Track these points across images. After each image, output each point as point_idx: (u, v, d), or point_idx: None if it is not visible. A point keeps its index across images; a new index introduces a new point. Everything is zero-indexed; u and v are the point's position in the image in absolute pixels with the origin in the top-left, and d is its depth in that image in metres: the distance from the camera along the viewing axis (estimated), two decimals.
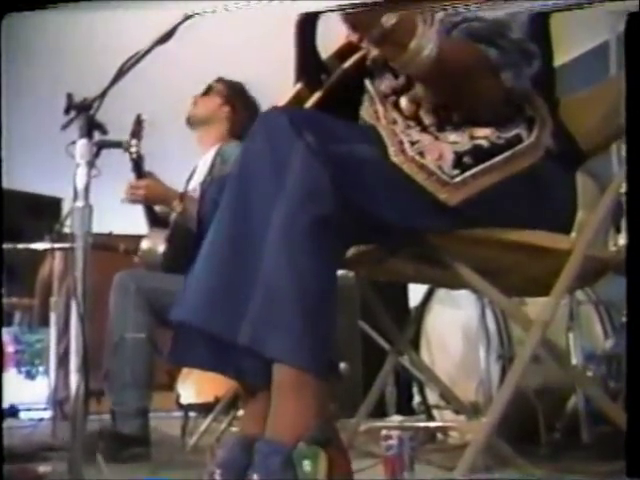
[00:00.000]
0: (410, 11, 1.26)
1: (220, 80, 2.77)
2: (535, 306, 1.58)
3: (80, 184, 1.65)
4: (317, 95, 1.36)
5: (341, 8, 1.18)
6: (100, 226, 1.73)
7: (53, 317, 3.00)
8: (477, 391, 2.37)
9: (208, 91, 2.73)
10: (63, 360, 2.71)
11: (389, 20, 1.15)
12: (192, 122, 2.72)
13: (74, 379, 1.58)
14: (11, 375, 3.83)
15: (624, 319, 2.44)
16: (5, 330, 3.75)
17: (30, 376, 3.97)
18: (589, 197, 1.44)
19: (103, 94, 1.57)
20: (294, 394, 1.02)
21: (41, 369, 3.93)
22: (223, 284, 1.07)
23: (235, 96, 2.73)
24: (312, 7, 1.24)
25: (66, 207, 3.91)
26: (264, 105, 1.62)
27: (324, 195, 1.07)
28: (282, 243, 1.05)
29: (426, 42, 1.16)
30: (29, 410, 3.55)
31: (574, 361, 2.19)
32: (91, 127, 1.60)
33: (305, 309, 1.03)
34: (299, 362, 1.03)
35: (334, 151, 1.11)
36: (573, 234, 1.32)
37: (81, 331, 1.58)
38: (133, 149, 1.88)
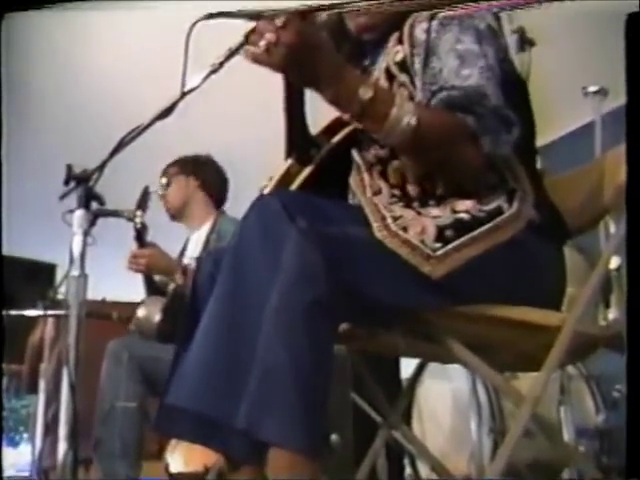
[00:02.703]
0: (385, 87, 1.31)
1: (172, 165, 2.80)
2: (527, 380, 1.58)
3: (76, 253, 1.67)
4: (308, 170, 1.39)
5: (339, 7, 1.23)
6: (93, 292, 1.74)
7: (42, 384, 2.97)
8: (469, 464, 2.35)
9: (168, 181, 2.75)
10: (51, 427, 2.67)
11: (366, 93, 1.18)
12: (173, 215, 2.77)
13: (62, 447, 1.57)
14: None
15: (615, 394, 2.45)
16: None
17: (13, 443, 3.90)
18: (578, 272, 1.47)
19: (102, 166, 1.60)
20: (289, 475, 1.03)
21: (25, 436, 3.86)
22: (219, 367, 1.09)
23: (194, 167, 2.77)
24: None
25: (60, 273, 3.91)
26: (259, 175, 1.65)
27: (317, 277, 1.09)
28: (277, 325, 1.07)
29: (404, 112, 1.19)
30: (10, 479, 3.48)
31: (566, 436, 2.18)
32: (89, 198, 1.63)
33: (301, 392, 1.05)
34: (295, 446, 1.04)
35: (326, 234, 1.13)
36: (563, 310, 1.34)
37: (71, 399, 1.58)
38: (138, 219, 1.91)
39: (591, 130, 2.79)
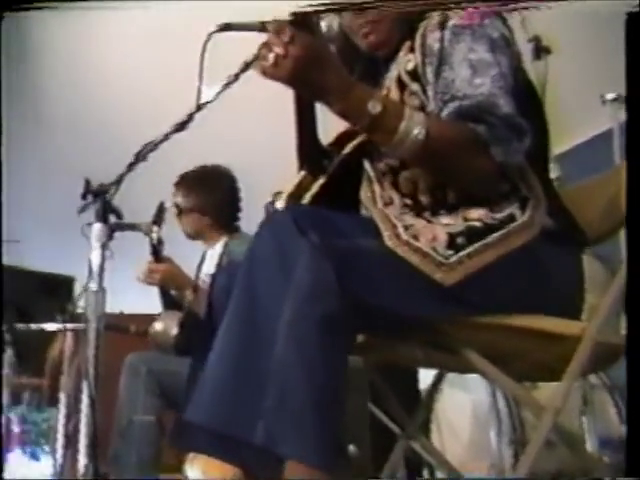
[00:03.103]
0: (394, 100, 1.31)
1: (183, 191, 2.76)
2: (548, 389, 1.56)
3: (94, 266, 1.68)
4: (320, 181, 1.39)
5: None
6: (111, 305, 1.75)
7: (62, 397, 2.99)
8: (488, 475, 2.32)
9: (180, 211, 2.73)
10: (71, 440, 2.68)
11: (375, 107, 1.18)
12: (192, 236, 2.79)
13: (82, 461, 1.57)
14: (16, 456, 3.77)
15: None
16: (13, 410, 3.72)
17: (35, 457, 3.91)
18: (598, 281, 1.45)
19: (119, 180, 1.61)
20: None
21: (46, 449, 3.87)
22: (235, 384, 1.10)
23: (206, 203, 2.74)
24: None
25: (78, 286, 3.93)
26: (272, 187, 1.65)
27: (330, 291, 1.09)
28: (291, 340, 1.07)
29: (414, 124, 1.19)
30: None
31: (589, 446, 2.15)
32: (107, 212, 1.64)
33: (317, 406, 1.05)
34: (312, 460, 1.04)
35: (338, 247, 1.13)
36: (583, 319, 1.33)
37: (91, 412, 1.58)
38: (154, 235, 1.92)
39: (609, 138, 2.77)
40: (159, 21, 3.47)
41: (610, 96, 2.75)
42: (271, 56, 1.14)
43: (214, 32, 1.34)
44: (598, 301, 1.34)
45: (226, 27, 1.37)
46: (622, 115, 2.76)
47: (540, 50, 2.22)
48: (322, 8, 1.30)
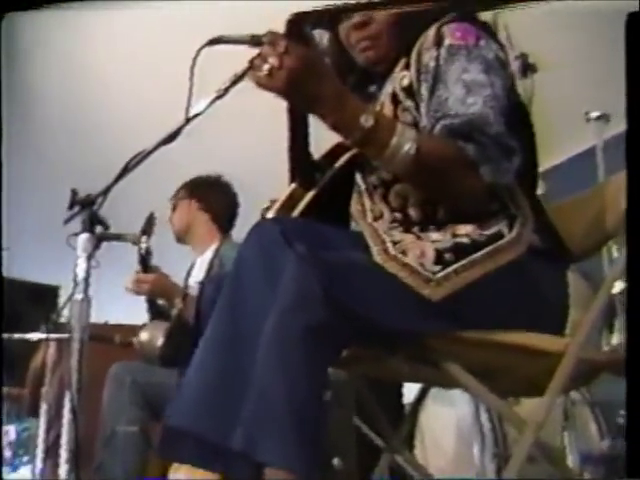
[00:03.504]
0: (386, 115, 1.33)
1: (180, 188, 2.83)
2: (530, 405, 1.58)
3: (80, 276, 1.68)
4: (311, 194, 1.40)
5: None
6: (96, 314, 1.75)
7: (43, 407, 2.96)
8: None
9: (175, 205, 2.79)
10: (52, 451, 2.66)
11: (368, 121, 1.19)
12: (178, 237, 2.80)
13: (64, 471, 1.56)
14: None
15: (620, 420, 2.43)
16: None
17: (13, 467, 3.87)
18: (581, 297, 1.47)
19: (106, 191, 1.61)
20: None
21: (25, 459, 3.83)
22: (217, 389, 1.10)
23: (198, 189, 2.80)
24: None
25: (63, 295, 3.91)
26: (263, 199, 1.66)
27: (315, 303, 1.09)
28: (274, 350, 1.07)
29: (405, 140, 1.20)
30: None
31: (570, 462, 2.16)
32: (93, 222, 1.64)
33: (297, 415, 1.05)
34: (291, 466, 1.04)
35: (325, 260, 1.14)
36: (567, 335, 1.34)
37: (73, 423, 1.57)
38: (143, 245, 1.92)
39: (593, 155, 2.81)
40: (160, 21, 3.45)
41: (594, 114, 2.79)
42: (265, 67, 1.16)
43: (204, 46, 1.35)
44: (581, 317, 1.35)
45: (216, 41, 1.38)
46: (606, 133, 2.80)
47: (527, 68, 2.25)
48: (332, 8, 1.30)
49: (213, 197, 2.80)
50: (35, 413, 3.14)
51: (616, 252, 1.96)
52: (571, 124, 3.07)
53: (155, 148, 1.53)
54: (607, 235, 1.54)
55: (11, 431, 3.74)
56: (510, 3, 1.35)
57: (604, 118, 2.75)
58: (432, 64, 1.31)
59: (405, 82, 1.36)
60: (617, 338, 2.21)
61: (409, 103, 1.34)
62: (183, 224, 2.76)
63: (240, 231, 2.77)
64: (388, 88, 1.40)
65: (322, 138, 1.42)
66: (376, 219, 1.35)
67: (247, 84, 1.38)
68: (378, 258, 1.22)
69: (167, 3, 2.93)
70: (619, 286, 2.10)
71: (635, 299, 1.09)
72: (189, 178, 2.87)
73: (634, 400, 1.04)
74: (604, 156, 2.72)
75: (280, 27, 1.35)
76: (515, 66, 2.19)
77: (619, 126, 3.29)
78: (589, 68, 3.50)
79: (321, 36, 1.40)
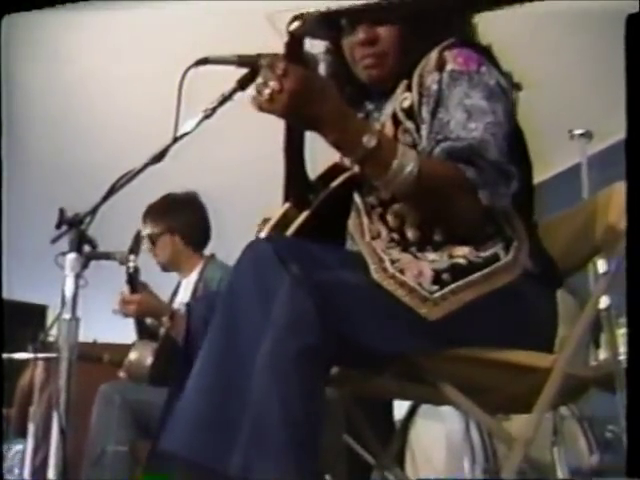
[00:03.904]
0: (388, 136, 1.33)
1: (150, 217, 2.77)
2: (520, 420, 1.58)
3: (68, 295, 1.67)
4: (305, 214, 1.39)
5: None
6: (84, 333, 1.74)
7: (31, 427, 2.94)
8: None
9: (153, 240, 2.74)
10: (39, 472, 2.64)
11: (370, 141, 1.20)
12: (165, 269, 2.79)
13: None
14: None
15: (609, 434, 2.44)
16: None
17: None
18: (568, 313, 1.48)
19: (94, 210, 1.61)
20: None
21: None
22: (211, 414, 1.09)
23: (176, 222, 2.75)
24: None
25: (51, 314, 3.89)
26: (254, 218, 1.66)
27: (309, 324, 1.10)
28: (269, 372, 1.07)
29: (407, 161, 1.21)
30: None
31: (559, 476, 2.17)
32: (81, 242, 1.64)
33: (293, 438, 1.05)
34: None
35: (319, 280, 1.14)
36: (555, 351, 1.35)
37: (61, 443, 1.56)
38: (131, 264, 1.92)
39: (577, 172, 2.83)
40: (161, 20, 3.44)
41: (578, 131, 2.82)
42: (267, 91, 1.16)
43: (191, 66, 1.36)
44: (568, 333, 1.36)
45: (203, 61, 1.39)
46: (590, 150, 2.83)
47: (511, 86, 2.26)
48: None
49: (190, 225, 2.75)
50: (22, 434, 3.11)
51: (601, 268, 1.98)
52: (555, 142, 3.10)
53: (143, 168, 1.53)
54: (593, 251, 1.55)
55: None
56: (512, 2, 1.36)
57: (587, 135, 2.78)
58: (434, 87, 1.32)
59: (406, 104, 1.37)
60: (604, 353, 2.22)
61: (409, 125, 1.35)
62: (167, 258, 2.76)
63: (228, 250, 2.77)
64: (389, 109, 1.41)
65: (318, 158, 1.43)
66: (374, 238, 1.36)
67: (236, 103, 1.39)
68: (376, 276, 1.22)
69: (166, 3, 2.92)
70: (605, 302, 2.11)
71: (635, 312, 1.10)
72: (152, 204, 2.81)
73: (634, 400, 1.05)
74: (588, 173, 2.75)
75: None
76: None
77: (602, 143, 3.34)
78: (574, 86, 3.55)
79: (318, 48, 1.40)
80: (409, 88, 1.37)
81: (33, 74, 3.81)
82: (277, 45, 1.23)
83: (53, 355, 1.73)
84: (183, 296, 2.63)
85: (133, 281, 2.25)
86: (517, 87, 2.04)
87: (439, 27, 1.39)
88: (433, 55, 1.36)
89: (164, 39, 3.54)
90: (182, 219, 2.76)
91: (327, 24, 1.31)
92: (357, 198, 1.43)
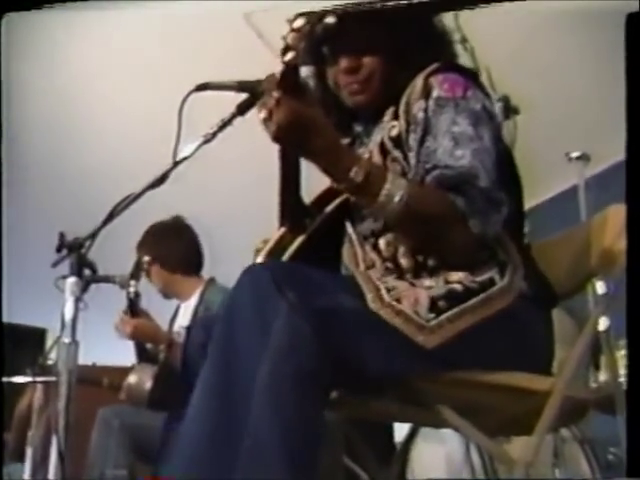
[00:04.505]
0: (378, 164, 1.34)
1: (142, 249, 2.75)
2: (521, 442, 1.57)
3: (68, 319, 1.67)
4: (300, 239, 1.39)
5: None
6: (83, 356, 1.74)
7: (29, 451, 2.93)
8: None
9: (147, 270, 2.70)
10: None
11: (359, 175, 1.21)
12: (166, 293, 2.80)
13: None
14: None
15: (610, 457, 2.43)
16: None
17: None
18: (567, 334, 1.48)
19: (94, 234, 1.61)
20: None
21: None
22: (211, 441, 1.08)
23: (164, 249, 2.74)
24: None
25: (50, 337, 3.88)
26: (251, 241, 1.67)
27: (308, 350, 1.10)
28: (267, 397, 1.07)
29: (396, 190, 1.21)
30: None
31: None
32: (82, 265, 1.64)
33: (292, 463, 1.05)
34: None
35: (316, 306, 1.14)
36: (554, 373, 1.35)
37: (60, 467, 1.56)
38: (132, 289, 1.92)
39: (575, 194, 2.85)
40: (161, 21, 3.44)
41: (575, 154, 2.84)
42: (262, 115, 1.18)
43: (191, 92, 1.37)
44: (567, 355, 1.36)
45: (203, 87, 1.40)
46: (587, 172, 2.85)
47: (509, 110, 2.29)
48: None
49: (179, 254, 2.75)
50: (19, 458, 3.10)
51: (600, 289, 1.98)
52: (553, 164, 3.11)
53: (143, 192, 1.54)
54: (591, 273, 1.56)
55: None
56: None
57: (584, 158, 2.80)
58: (421, 115, 1.33)
59: (394, 132, 1.37)
60: (604, 375, 2.22)
61: (397, 154, 1.36)
62: (162, 286, 2.77)
63: (226, 274, 2.77)
64: (377, 137, 1.42)
65: (314, 181, 1.44)
66: (368, 268, 1.36)
67: (235, 129, 1.40)
68: (373, 305, 1.21)
69: (166, 3, 2.92)
70: (604, 323, 2.11)
71: (635, 334, 1.10)
72: (145, 231, 2.81)
73: (634, 399, 1.04)
74: (586, 195, 2.76)
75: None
76: (497, 108, 2.23)
77: (599, 165, 3.36)
78: (571, 108, 3.57)
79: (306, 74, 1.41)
80: (396, 116, 1.38)
81: (33, 74, 3.81)
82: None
83: (52, 379, 1.73)
84: (182, 320, 2.63)
85: (134, 306, 2.25)
86: (514, 111, 2.05)
87: (422, 53, 1.40)
88: (419, 82, 1.36)
89: (164, 39, 3.54)
90: (162, 248, 2.74)
91: (310, 52, 1.32)
92: (349, 228, 1.43)
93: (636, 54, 1.13)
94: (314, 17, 1.17)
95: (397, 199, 1.21)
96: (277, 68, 1.18)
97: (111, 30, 3.52)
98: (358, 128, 1.52)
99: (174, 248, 2.77)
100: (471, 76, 1.41)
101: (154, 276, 2.75)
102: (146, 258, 2.65)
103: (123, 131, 4.08)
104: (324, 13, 1.19)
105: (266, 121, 1.17)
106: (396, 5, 1.33)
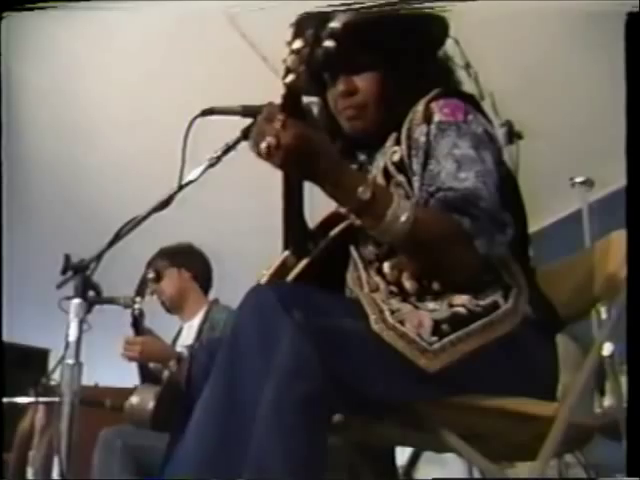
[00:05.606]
0: (383, 186, 1.34)
1: (158, 258, 2.82)
2: (525, 467, 1.56)
3: (71, 340, 1.68)
4: (303, 262, 1.39)
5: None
6: (86, 376, 1.74)
7: (30, 472, 2.92)
8: None
9: (159, 275, 2.77)
10: None
11: (365, 194, 1.21)
12: (169, 307, 2.80)
13: None
14: None
15: None
16: None
17: None
18: (571, 360, 1.47)
19: (99, 256, 1.62)
20: None
21: None
22: (215, 459, 1.09)
23: (184, 259, 2.83)
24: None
25: (53, 358, 3.87)
26: (255, 266, 1.67)
27: (312, 371, 1.10)
28: (271, 419, 1.07)
29: (401, 211, 1.22)
30: None
31: None
32: (86, 287, 1.65)
33: None
34: None
35: (320, 327, 1.14)
36: (558, 398, 1.34)
37: None
38: (136, 306, 1.93)
39: (579, 218, 2.85)
40: (161, 21, 3.46)
41: (579, 179, 2.85)
42: (263, 145, 1.16)
43: (197, 117, 1.39)
44: (571, 380, 1.36)
45: (208, 112, 1.42)
46: (591, 197, 2.86)
47: (512, 135, 2.30)
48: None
49: (198, 265, 2.84)
50: (21, 478, 3.08)
51: (605, 314, 1.97)
52: (557, 189, 3.12)
53: (148, 215, 1.55)
54: (595, 298, 1.55)
55: None
56: None
57: (588, 183, 2.81)
58: (423, 139, 1.34)
59: (396, 157, 1.38)
60: (608, 401, 2.20)
61: (401, 178, 1.36)
62: (175, 292, 2.77)
63: (229, 299, 2.77)
64: (380, 162, 1.43)
65: (318, 206, 1.44)
66: (373, 291, 1.36)
67: (239, 153, 1.41)
68: (376, 327, 1.21)
69: (166, 3, 2.93)
70: (608, 348, 2.10)
71: (635, 359, 1.10)
72: (160, 247, 2.87)
73: (634, 400, 1.03)
74: (589, 219, 2.77)
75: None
76: (501, 133, 2.24)
77: (603, 190, 3.37)
78: (574, 133, 3.58)
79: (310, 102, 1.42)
80: (398, 142, 1.39)
81: (33, 74, 3.84)
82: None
83: (55, 399, 1.73)
84: (185, 339, 2.63)
85: (138, 324, 2.25)
86: (518, 135, 2.06)
87: (422, 79, 1.41)
88: (420, 107, 1.37)
89: (164, 39, 3.56)
90: (189, 257, 2.84)
91: (313, 79, 1.32)
92: (354, 252, 1.44)
93: (636, 54, 1.13)
94: (310, 36, 1.16)
95: (403, 219, 1.21)
96: (268, 71, 1.18)
97: (111, 30, 3.55)
98: (362, 157, 1.52)
99: (195, 259, 2.84)
100: (472, 101, 1.42)
101: (168, 281, 2.75)
102: (164, 262, 2.69)
103: (125, 137, 4.08)
104: (321, 30, 1.18)
105: (269, 149, 1.16)
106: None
